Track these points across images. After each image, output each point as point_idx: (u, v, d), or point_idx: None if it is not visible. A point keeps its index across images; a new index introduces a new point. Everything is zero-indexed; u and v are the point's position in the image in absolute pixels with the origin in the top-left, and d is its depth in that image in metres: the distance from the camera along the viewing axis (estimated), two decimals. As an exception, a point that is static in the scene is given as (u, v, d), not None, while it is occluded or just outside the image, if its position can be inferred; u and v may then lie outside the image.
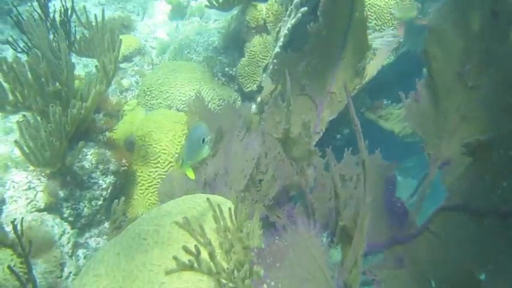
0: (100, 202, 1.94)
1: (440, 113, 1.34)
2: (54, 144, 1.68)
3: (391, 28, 2.35)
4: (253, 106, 2.48)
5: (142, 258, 1.27)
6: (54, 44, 1.88)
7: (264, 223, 1.34)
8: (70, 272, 1.77)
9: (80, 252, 1.87)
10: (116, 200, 1.94)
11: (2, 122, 2.06)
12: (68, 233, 1.84)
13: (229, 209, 1.25)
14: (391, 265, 1.42)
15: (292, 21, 1.97)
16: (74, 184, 1.86)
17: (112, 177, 1.97)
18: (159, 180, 2.13)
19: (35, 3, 2.12)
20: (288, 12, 2.06)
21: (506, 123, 1.19)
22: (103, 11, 2.10)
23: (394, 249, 1.44)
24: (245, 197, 1.28)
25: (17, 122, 1.67)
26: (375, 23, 2.37)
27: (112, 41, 1.90)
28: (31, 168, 1.84)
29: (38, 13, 2.11)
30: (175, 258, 1.05)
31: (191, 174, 1.30)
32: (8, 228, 1.58)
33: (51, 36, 2.02)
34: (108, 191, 1.96)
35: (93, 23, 2.04)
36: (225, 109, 2.14)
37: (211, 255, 1.07)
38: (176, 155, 2.14)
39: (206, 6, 2.48)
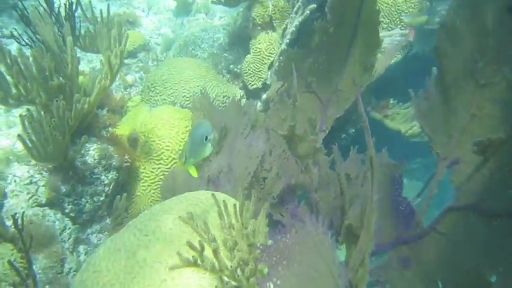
0: (102, 198, 1.92)
1: (450, 111, 1.31)
2: (57, 139, 1.66)
3: (399, 27, 2.32)
4: (259, 104, 2.46)
5: (144, 255, 1.25)
6: (59, 37, 1.87)
7: (268, 221, 1.31)
8: (71, 268, 1.75)
9: (81, 248, 1.86)
10: (118, 196, 1.92)
11: (4, 115, 2.04)
12: (69, 228, 1.82)
13: (234, 205, 1.22)
14: (396, 266, 1.40)
15: (300, 19, 1.94)
16: (76, 179, 1.84)
17: (114, 173, 1.96)
18: (161, 177, 2.11)
19: (40, -3, 2.10)
20: (295, 9, 2.04)
21: (519, 121, 1.17)
22: (108, 6, 2.09)
23: (400, 249, 1.42)
24: (251, 194, 1.25)
25: (20, 115, 1.65)
26: (383, 21, 2.34)
27: (119, 34, 1.88)
28: (33, 162, 1.82)
29: (43, 7, 2.10)
30: (179, 253, 1.03)
31: (194, 173, 1.28)
32: (9, 223, 1.57)
33: (56, 31, 2.00)
34: (110, 187, 1.94)
35: (99, 19, 2.02)
36: (230, 106, 2.12)
37: (216, 252, 1.04)
38: (179, 152, 2.12)
39: (212, 2, 2.47)
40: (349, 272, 0.98)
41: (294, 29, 1.95)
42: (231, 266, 1.05)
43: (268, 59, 2.45)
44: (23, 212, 1.58)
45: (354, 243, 1.16)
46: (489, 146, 1.14)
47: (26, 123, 1.61)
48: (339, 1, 1.73)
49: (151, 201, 2.10)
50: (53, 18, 2.12)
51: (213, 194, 1.25)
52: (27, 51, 1.81)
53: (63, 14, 2.19)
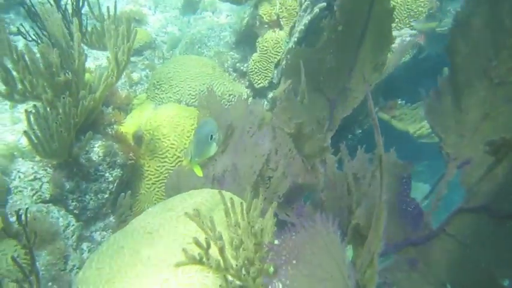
0: (106, 195, 1.91)
1: (462, 111, 1.29)
2: (62, 135, 1.65)
3: (409, 27, 2.30)
4: (265, 103, 2.44)
5: (147, 253, 1.23)
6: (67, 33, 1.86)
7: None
8: (74, 265, 1.74)
9: (85, 245, 1.84)
10: (123, 194, 1.91)
11: (10, 111, 2.04)
12: (73, 225, 1.81)
13: (241, 203, 1.20)
14: (404, 267, 1.37)
15: (309, 17, 1.92)
16: (80, 176, 1.83)
17: (119, 170, 1.94)
18: (166, 175, 2.09)
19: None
20: (303, 7, 2.02)
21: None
22: (115, 3, 2.08)
23: (407, 251, 1.39)
24: (259, 192, 1.23)
25: (25, 111, 1.64)
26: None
27: (128, 30, 1.87)
28: (37, 158, 1.81)
29: (50, 3, 2.09)
30: (184, 250, 1.01)
31: (199, 172, 1.26)
32: (13, 219, 1.56)
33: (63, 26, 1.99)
34: (115, 184, 1.93)
35: (105, 16, 2.01)
36: (237, 105, 2.10)
37: (221, 250, 1.02)
38: (184, 151, 2.11)
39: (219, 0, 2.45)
40: (357, 273, 0.96)
41: (303, 27, 1.93)
42: (237, 265, 1.03)
43: (275, 58, 2.43)
44: (27, 208, 1.57)
45: (361, 244, 1.14)
46: (502, 146, 1.11)
47: (32, 119, 1.60)
48: (349, -1, 1.71)
49: (155, 200, 2.08)
50: (60, 15, 2.11)
51: (219, 192, 1.23)
52: (34, 48, 1.81)
53: (70, 11, 2.18)
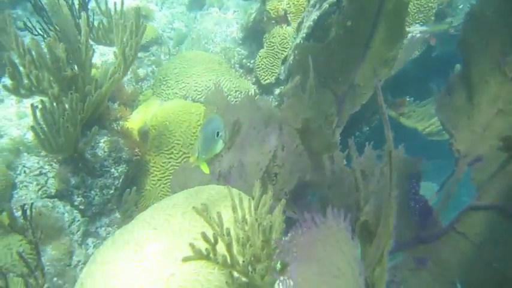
0: (111, 191, 1.90)
1: (474, 106, 1.26)
2: (68, 131, 1.64)
3: (420, 23, 2.26)
4: (271, 99, 2.42)
5: (152, 248, 1.22)
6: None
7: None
8: (79, 261, 1.73)
9: (90, 241, 1.84)
10: (128, 190, 1.90)
11: (16, 106, 2.04)
12: (78, 221, 1.80)
13: (249, 199, 1.18)
14: (412, 265, 1.35)
15: (318, 12, 1.89)
16: (86, 171, 1.83)
17: (124, 166, 1.93)
18: (172, 171, 2.08)
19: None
20: (311, 3, 1.99)
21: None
22: None
23: (416, 249, 1.37)
24: (268, 188, 1.21)
25: (31, 105, 1.64)
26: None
27: (136, 25, 1.85)
28: (43, 153, 1.81)
29: (57, -1, 2.08)
30: (191, 245, 0.99)
31: (206, 169, 1.24)
32: (18, 214, 1.56)
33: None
34: (120, 180, 1.92)
35: (112, 11, 2.00)
36: (244, 101, 2.08)
37: (229, 246, 1.01)
38: (190, 147, 2.09)
39: (226, -5, 2.43)
40: (365, 270, 0.94)
41: (312, 23, 1.90)
42: (243, 262, 1.01)
43: (282, 54, 2.41)
44: (32, 203, 1.57)
45: (370, 241, 1.12)
46: (517, 142, 1.08)
47: (38, 114, 1.60)
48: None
49: (161, 196, 2.07)
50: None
51: (227, 187, 1.21)
52: (41, 43, 1.80)
53: (76, 6, 2.17)
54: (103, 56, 2.74)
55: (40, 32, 1.99)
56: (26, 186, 1.77)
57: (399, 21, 1.66)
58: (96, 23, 2.19)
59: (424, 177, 3.27)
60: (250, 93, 2.34)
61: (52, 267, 1.64)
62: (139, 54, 2.72)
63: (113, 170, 1.90)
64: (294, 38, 2.32)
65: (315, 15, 1.92)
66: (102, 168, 1.87)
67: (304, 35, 1.95)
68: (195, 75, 2.36)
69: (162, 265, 1.17)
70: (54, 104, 1.64)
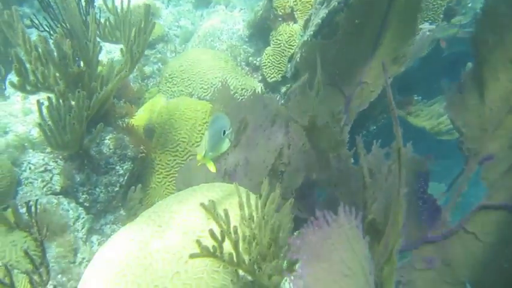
0: (116, 188, 1.89)
1: (485, 104, 1.23)
2: (74, 128, 1.64)
3: (429, 22, 2.24)
4: (278, 97, 2.40)
5: (157, 246, 1.21)
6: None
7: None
8: (83, 258, 1.72)
9: (95, 238, 1.83)
10: (133, 187, 1.88)
11: (21, 102, 2.03)
12: (83, 218, 1.80)
13: (256, 197, 1.17)
14: (420, 265, 1.33)
15: (326, 10, 1.86)
16: (91, 168, 1.82)
17: (129, 163, 1.92)
18: (177, 168, 2.07)
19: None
20: (319, 0, 1.97)
21: None
22: (129, -4, 2.05)
23: (424, 248, 1.35)
24: (276, 186, 1.19)
25: (37, 101, 1.63)
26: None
27: (145, 22, 1.84)
28: (48, 150, 1.81)
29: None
30: (198, 241, 0.98)
31: (213, 167, 1.23)
32: (23, 210, 1.55)
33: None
34: (125, 177, 1.91)
35: (119, 9, 1.99)
36: (251, 98, 2.07)
37: (236, 244, 0.99)
38: (196, 146, 2.08)
39: (233, -8, 2.42)
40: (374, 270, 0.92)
41: (320, 21, 1.87)
42: (250, 260, 0.99)
43: (288, 51, 2.39)
44: (37, 200, 1.56)
45: (377, 240, 1.10)
46: (528, 140, 1.06)
47: (44, 111, 1.59)
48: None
49: (166, 194, 2.06)
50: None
51: (235, 184, 1.20)
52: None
53: (83, 3, 2.16)
54: (109, 53, 2.74)
55: (46, 29, 1.98)
56: (31, 182, 1.77)
57: (412, 18, 1.63)
58: (102, 20, 2.18)
59: (431, 178, 3.23)
60: (256, 91, 2.32)
61: (56, 264, 1.64)
62: (146, 52, 2.71)
63: (118, 167, 1.89)
64: (301, 36, 2.30)
65: (323, 12, 1.89)
66: (107, 166, 1.87)
67: (311, 32, 1.92)
68: (201, 73, 2.35)
69: (167, 263, 1.15)
70: (61, 101, 1.64)
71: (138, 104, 2.40)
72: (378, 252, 0.98)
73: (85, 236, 1.78)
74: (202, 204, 1.19)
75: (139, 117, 2.20)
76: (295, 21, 2.41)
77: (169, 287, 1.09)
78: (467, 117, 1.27)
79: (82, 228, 1.77)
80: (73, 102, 1.66)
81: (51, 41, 1.69)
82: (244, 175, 1.75)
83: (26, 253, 1.30)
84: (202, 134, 2.10)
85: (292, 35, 2.38)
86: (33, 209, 1.38)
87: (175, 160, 2.09)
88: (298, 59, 2.01)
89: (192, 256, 1.00)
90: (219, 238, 0.99)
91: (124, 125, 2.00)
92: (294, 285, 0.65)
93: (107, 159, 1.86)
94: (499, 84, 1.21)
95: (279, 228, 1.01)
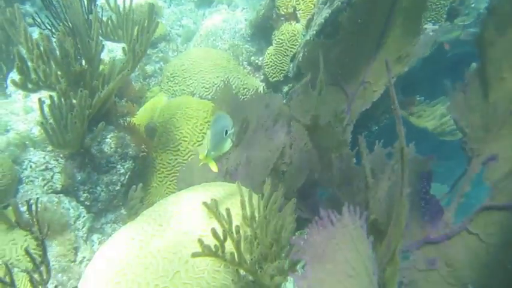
0: (117, 187, 1.88)
1: (490, 104, 1.22)
2: (76, 127, 1.63)
3: (432, 22, 2.23)
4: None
5: (157, 245, 1.20)
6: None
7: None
8: (84, 257, 1.72)
9: (95, 237, 1.82)
10: (134, 186, 1.87)
11: (23, 101, 2.03)
12: (84, 217, 1.79)
13: (259, 196, 1.16)
14: (422, 266, 1.32)
15: (330, 10, 1.86)
16: (92, 167, 1.81)
17: (131, 162, 1.92)
18: (178, 168, 2.06)
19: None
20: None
21: None
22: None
23: (426, 249, 1.34)
24: (279, 186, 1.18)
25: (39, 99, 1.63)
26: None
27: (149, 20, 1.84)
28: (49, 148, 1.80)
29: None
30: (200, 241, 0.97)
31: (214, 167, 1.22)
32: (23, 208, 1.55)
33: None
34: (126, 176, 1.91)
35: (121, 7, 1.99)
36: (253, 98, 2.06)
37: (238, 244, 0.98)
38: (198, 145, 2.07)
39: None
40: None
41: (323, 20, 1.86)
42: (252, 259, 0.99)
43: (290, 51, 2.38)
44: (38, 198, 1.56)
45: (379, 240, 1.09)
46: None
47: (46, 109, 1.59)
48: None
49: (167, 193, 2.05)
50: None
51: (237, 183, 1.19)
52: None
53: (85, 1, 2.16)
54: (111, 52, 2.73)
55: (48, 27, 1.98)
56: (31, 181, 1.77)
57: (417, 16, 1.62)
58: (104, 19, 2.18)
59: (433, 179, 3.21)
60: (258, 90, 2.32)
61: (57, 263, 1.63)
62: (148, 51, 2.71)
63: (119, 166, 1.89)
64: (304, 35, 2.30)
65: (326, 12, 1.89)
66: (108, 164, 1.86)
67: (314, 32, 1.91)
68: (203, 72, 2.34)
69: (167, 262, 1.15)
70: (62, 99, 1.63)
71: (139, 103, 2.40)
72: (380, 253, 0.97)
73: (86, 235, 1.77)
74: (204, 203, 1.19)
75: (141, 116, 2.20)
76: (298, 21, 2.41)
77: (169, 286, 1.09)
78: (470, 117, 1.26)
79: (83, 227, 1.77)
80: (74, 101, 1.66)
81: (53, 39, 1.69)
82: (246, 174, 1.74)
83: (27, 252, 1.29)
84: (204, 133, 2.10)
85: (294, 34, 2.37)
86: (33, 207, 1.37)
87: (176, 159, 2.09)
88: (300, 58, 2.01)
89: (193, 255, 0.99)
90: (221, 237, 0.99)
91: (125, 123, 2.00)
92: (298, 286, 0.64)
93: (108, 158, 1.86)
94: (503, 84, 1.20)
95: (282, 228, 1.01)
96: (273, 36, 2.45)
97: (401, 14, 1.63)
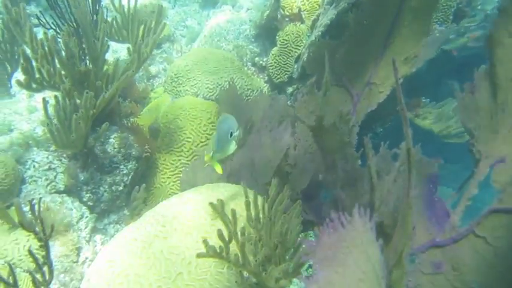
0: (120, 188, 1.87)
1: (499, 106, 1.20)
2: (80, 127, 1.62)
3: (438, 23, 2.21)
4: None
5: (160, 246, 1.19)
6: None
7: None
8: (86, 258, 1.71)
9: (98, 237, 1.81)
10: (137, 187, 1.87)
11: (27, 100, 2.03)
12: (87, 217, 1.78)
13: (263, 198, 1.15)
14: (427, 270, 1.30)
15: (335, 11, 1.84)
16: (95, 167, 1.81)
17: (134, 162, 1.91)
18: (182, 169, 2.05)
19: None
20: (327, 0, 1.95)
21: None
22: (137, -4, 2.05)
23: (432, 252, 1.32)
24: (284, 187, 1.16)
25: (43, 99, 1.62)
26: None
27: (156, 22, 1.83)
28: (52, 148, 1.79)
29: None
30: (205, 241, 0.96)
31: (219, 169, 1.21)
32: (26, 208, 1.54)
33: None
34: (129, 177, 1.90)
35: (125, 8, 1.99)
36: (258, 99, 2.05)
37: (242, 245, 0.97)
38: (202, 146, 2.06)
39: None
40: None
41: (329, 21, 1.85)
42: (256, 261, 0.97)
43: (295, 52, 2.37)
44: (40, 198, 1.55)
45: (386, 243, 1.07)
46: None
47: (50, 109, 1.58)
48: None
49: (170, 194, 2.04)
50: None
51: (243, 184, 1.18)
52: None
53: (90, 2, 2.16)
54: (115, 52, 2.73)
55: (53, 27, 1.97)
56: (35, 181, 1.76)
57: (426, 16, 1.60)
58: (109, 19, 2.18)
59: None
60: (263, 91, 2.31)
61: (59, 264, 1.62)
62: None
63: (122, 166, 1.88)
64: (308, 36, 2.28)
65: (332, 13, 1.87)
66: (111, 165, 1.85)
67: (319, 33, 1.90)
68: (207, 73, 2.33)
69: (170, 263, 1.14)
70: (67, 100, 1.63)
71: (143, 104, 2.39)
72: (386, 256, 0.95)
73: (88, 236, 1.76)
74: (211, 204, 1.17)
75: (144, 117, 2.19)
76: (303, 22, 2.39)
77: (172, 287, 1.08)
78: (478, 119, 1.25)
79: (85, 228, 1.76)
80: (78, 101, 1.65)
81: (58, 40, 1.68)
82: (250, 175, 1.73)
83: (30, 253, 1.28)
84: (208, 134, 2.09)
85: (299, 35, 2.36)
86: (36, 207, 1.36)
87: (180, 160, 2.07)
88: (305, 59, 1.99)
89: (199, 255, 0.98)
90: (226, 239, 0.97)
91: (129, 124, 1.99)
92: None
93: (111, 159, 1.85)
94: (512, 86, 1.19)
95: (287, 231, 0.99)
96: (277, 37, 2.44)
97: (410, 13, 1.61)
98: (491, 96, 1.23)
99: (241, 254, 0.97)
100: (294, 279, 1.23)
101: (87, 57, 1.80)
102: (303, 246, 0.97)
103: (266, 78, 2.54)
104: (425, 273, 1.30)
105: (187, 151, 2.08)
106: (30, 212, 1.34)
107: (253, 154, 1.76)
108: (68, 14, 1.96)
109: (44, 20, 2.00)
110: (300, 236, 1.41)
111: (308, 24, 2.33)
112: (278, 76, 2.43)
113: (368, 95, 1.72)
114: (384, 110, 2.24)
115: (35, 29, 2.55)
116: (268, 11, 2.49)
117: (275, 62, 2.43)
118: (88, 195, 1.81)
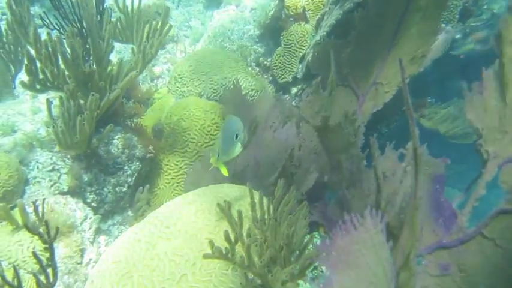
0: (124, 189, 1.87)
1: (507, 106, 1.19)
2: (84, 128, 1.62)
3: (444, 22, 2.19)
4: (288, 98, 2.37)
5: (164, 247, 1.18)
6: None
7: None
8: (90, 259, 1.70)
9: (102, 239, 1.81)
10: (141, 188, 1.87)
11: (30, 101, 2.03)
12: (91, 218, 1.78)
13: (269, 199, 1.14)
14: (435, 271, 1.28)
15: (341, 11, 1.82)
16: (99, 168, 1.80)
17: (138, 163, 1.90)
18: (186, 169, 2.04)
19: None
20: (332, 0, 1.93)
21: None
22: (141, -4, 2.05)
23: (439, 254, 1.30)
24: (291, 188, 1.15)
25: (47, 100, 1.62)
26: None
27: (163, 24, 1.82)
28: (56, 149, 1.79)
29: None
30: (211, 242, 0.95)
31: (225, 171, 1.20)
32: (30, 209, 1.54)
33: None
34: (133, 177, 1.89)
35: (129, 9, 1.99)
36: (262, 99, 2.04)
37: (248, 247, 0.96)
38: (205, 146, 2.05)
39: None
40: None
41: (334, 21, 1.83)
42: (261, 262, 0.96)
43: (299, 52, 2.35)
44: (44, 199, 1.55)
45: (392, 244, 1.05)
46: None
47: (55, 111, 1.58)
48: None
49: (174, 195, 2.03)
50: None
51: (248, 185, 1.17)
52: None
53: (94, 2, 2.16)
54: (119, 53, 2.73)
55: (56, 27, 1.97)
56: (38, 182, 1.76)
57: (435, 16, 1.58)
58: (113, 20, 2.17)
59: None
60: (267, 91, 2.29)
61: (63, 265, 1.62)
62: (156, 52, 2.70)
63: (126, 167, 1.87)
64: (313, 36, 2.27)
65: (337, 13, 1.85)
66: (115, 166, 1.85)
67: (324, 32, 1.88)
68: (211, 73, 2.32)
69: (174, 264, 1.13)
70: (71, 101, 1.62)
71: (147, 104, 2.39)
72: (394, 257, 0.94)
73: (92, 237, 1.76)
74: (218, 205, 1.16)
75: (148, 118, 2.18)
76: (307, 21, 2.38)
77: (176, 289, 1.07)
78: (487, 119, 1.23)
79: (89, 229, 1.75)
80: (82, 102, 1.65)
81: (63, 41, 1.68)
82: (254, 176, 1.72)
83: (35, 255, 1.27)
84: (212, 134, 2.07)
85: (303, 35, 2.34)
86: (40, 208, 1.36)
87: (183, 161, 2.06)
88: (310, 58, 1.98)
89: (205, 256, 0.97)
90: (232, 240, 0.96)
91: (133, 125, 1.98)
92: None
93: (115, 159, 1.84)
94: (521, 85, 1.17)
95: (294, 233, 0.98)
96: (281, 37, 2.43)
97: (419, 13, 1.59)
98: (500, 95, 1.21)
99: (247, 256, 0.96)
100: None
101: (91, 58, 1.79)
102: (310, 248, 0.96)
103: (270, 78, 2.53)
104: (432, 274, 1.28)
105: (191, 152, 2.07)
106: (34, 213, 1.34)
107: (258, 154, 1.75)
108: (71, 14, 1.96)
109: (47, 21, 2.00)
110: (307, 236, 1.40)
111: (312, 23, 2.31)
112: (282, 76, 2.42)
113: (374, 95, 1.70)
114: (389, 110, 2.23)
115: (39, 30, 2.56)
116: (272, 11, 2.48)
117: (279, 62, 2.41)
118: (92, 196, 1.80)
